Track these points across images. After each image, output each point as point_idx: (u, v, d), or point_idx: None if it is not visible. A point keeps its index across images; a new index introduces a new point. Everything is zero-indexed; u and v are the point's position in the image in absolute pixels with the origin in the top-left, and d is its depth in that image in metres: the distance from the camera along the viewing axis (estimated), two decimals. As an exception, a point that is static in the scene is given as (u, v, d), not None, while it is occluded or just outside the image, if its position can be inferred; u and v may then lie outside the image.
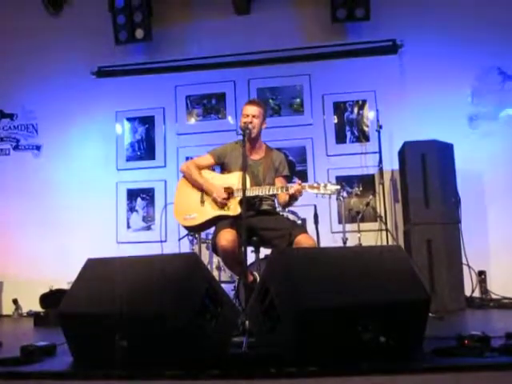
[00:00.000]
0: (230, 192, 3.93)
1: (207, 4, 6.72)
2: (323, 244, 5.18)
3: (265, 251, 4.13)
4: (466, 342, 2.49)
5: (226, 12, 6.75)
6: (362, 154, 6.40)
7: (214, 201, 3.93)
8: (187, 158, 6.09)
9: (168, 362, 2.36)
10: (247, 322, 2.81)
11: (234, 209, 3.86)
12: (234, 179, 3.96)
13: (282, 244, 3.74)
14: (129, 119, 6.96)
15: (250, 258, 3.92)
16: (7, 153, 7.09)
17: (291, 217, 4.85)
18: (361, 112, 6.55)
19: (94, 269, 2.81)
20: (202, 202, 4.00)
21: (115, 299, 2.54)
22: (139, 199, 6.79)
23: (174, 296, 2.45)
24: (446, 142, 5.60)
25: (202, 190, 4.02)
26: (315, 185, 3.75)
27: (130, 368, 2.37)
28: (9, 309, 6.47)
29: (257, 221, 3.88)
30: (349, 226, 5.69)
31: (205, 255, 5.34)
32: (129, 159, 6.90)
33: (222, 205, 3.90)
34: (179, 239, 5.84)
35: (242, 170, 3.59)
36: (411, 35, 6.39)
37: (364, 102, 6.54)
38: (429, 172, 5.41)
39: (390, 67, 6.47)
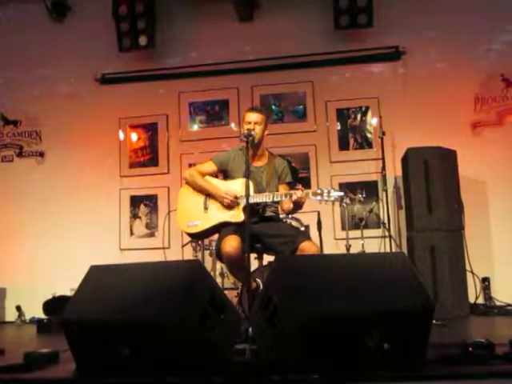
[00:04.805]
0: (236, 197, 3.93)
1: (211, 11, 6.73)
2: (326, 251, 5.17)
3: (268, 258, 4.13)
4: (470, 349, 2.48)
5: (230, 19, 6.76)
6: (365, 160, 6.40)
7: (223, 202, 3.92)
8: (190, 165, 6.09)
9: (171, 369, 2.36)
10: (250, 329, 2.81)
11: (238, 215, 3.86)
12: (237, 186, 3.97)
13: (286, 251, 3.74)
14: (132, 126, 6.97)
15: (254, 264, 3.93)
16: (11, 159, 7.10)
17: (295, 223, 4.85)
18: (364, 118, 6.55)
19: (98, 276, 2.81)
20: (206, 208, 4.01)
21: (118, 306, 2.55)
22: (142, 206, 6.79)
23: (177, 303, 2.45)
24: (449, 149, 5.59)
25: (207, 195, 4.03)
26: (318, 191, 3.75)
27: (133, 375, 2.37)
28: (12, 315, 6.46)
29: (260, 227, 3.88)
30: (352, 233, 5.68)
31: (208, 262, 5.34)
32: (132, 166, 6.90)
33: (233, 204, 3.89)
34: (182, 246, 5.84)
35: (244, 176, 3.60)
36: (414, 42, 6.40)
37: (367, 108, 6.54)
38: (432, 178, 5.40)
39: (393, 74, 6.48)
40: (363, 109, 6.56)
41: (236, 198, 3.90)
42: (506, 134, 6.19)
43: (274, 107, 6.73)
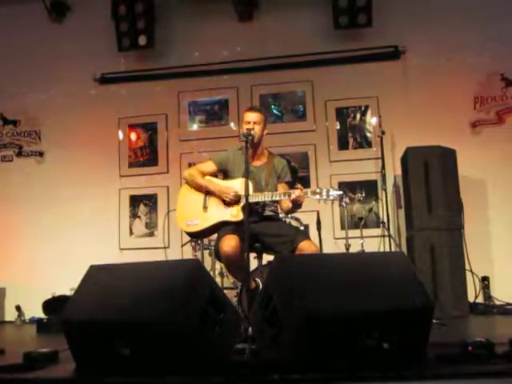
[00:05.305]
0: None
1: (210, 11, 6.73)
2: (326, 250, 5.17)
3: (267, 257, 4.12)
4: (470, 348, 2.48)
5: (229, 19, 6.77)
6: (364, 159, 6.40)
7: (225, 198, 3.91)
8: (190, 165, 6.09)
9: (170, 369, 2.36)
10: (250, 329, 2.81)
11: (237, 215, 3.86)
12: (236, 185, 3.96)
13: (285, 250, 3.74)
14: (131, 126, 6.96)
15: (253, 264, 3.92)
16: (10, 159, 7.10)
17: (294, 223, 4.85)
18: (363, 118, 6.56)
19: (97, 275, 2.81)
20: (205, 207, 4.00)
21: (118, 306, 2.55)
22: (142, 205, 6.80)
23: (177, 303, 2.45)
24: (449, 148, 5.59)
25: (207, 194, 4.02)
26: (317, 191, 3.74)
27: (133, 375, 2.37)
28: (11, 315, 6.46)
29: (259, 227, 3.88)
30: (351, 232, 5.67)
31: (207, 261, 5.34)
32: (131, 165, 6.90)
33: (236, 199, 3.88)
34: (182, 245, 5.84)
35: (244, 176, 3.59)
36: (413, 41, 6.40)
37: (366, 107, 6.54)
38: (431, 178, 5.40)
39: (393, 73, 6.48)
40: (363, 108, 6.56)
41: (236, 196, 3.89)
42: (506, 134, 6.19)
43: (273, 107, 6.73)
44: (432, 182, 5.39)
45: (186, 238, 5.46)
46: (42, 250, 6.59)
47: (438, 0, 6.46)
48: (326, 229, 5.39)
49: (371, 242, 5.80)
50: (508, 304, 5.68)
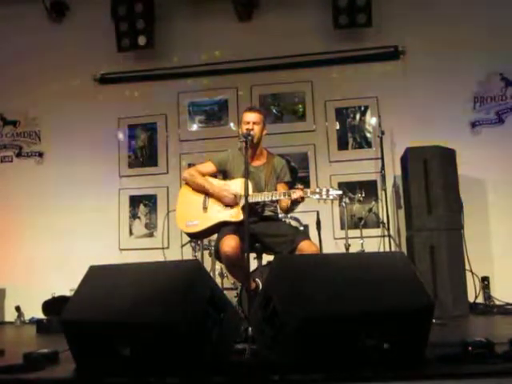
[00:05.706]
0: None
1: (210, 11, 6.73)
2: (326, 250, 5.17)
3: (267, 257, 4.13)
4: (470, 348, 2.48)
5: (229, 19, 6.75)
6: (364, 160, 6.40)
7: (223, 200, 3.92)
8: (189, 165, 6.09)
9: (170, 370, 2.35)
10: (250, 329, 2.81)
11: (237, 215, 3.86)
12: (236, 186, 3.97)
13: (285, 250, 3.74)
14: (131, 126, 6.96)
15: (253, 264, 3.92)
16: (10, 160, 7.10)
17: (294, 223, 4.85)
18: (363, 118, 6.55)
19: (97, 276, 2.81)
20: (205, 208, 4.01)
21: (117, 306, 2.55)
22: (142, 206, 6.79)
23: (177, 303, 2.45)
24: (449, 148, 5.58)
25: (207, 194, 4.03)
26: (317, 190, 3.75)
27: (133, 375, 2.37)
28: (11, 316, 6.45)
29: (259, 227, 3.88)
30: (351, 232, 5.67)
31: (207, 262, 5.34)
32: (131, 166, 6.90)
33: (232, 203, 3.89)
34: (182, 246, 5.84)
35: (243, 176, 3.60)
36: (413, 41, 6.40)
37: (366, 108, 6.54)
38: (431, 178, 5.39)
39: (392, 73, 6.47)
40: (362, 108, 6.56)
41: (235, 197, 3.90)
42: (505, 133, 6.19)
43: (273, 107, 6.72)
44: (432, 181, 5.38)
45: (186, 239, 5.47)
46: (41, 251, 6.57)
47: (437, 0, 6.46)
48: (325, 229, 5.38)
49: (371, 242, 5.79)
50: (508, 304, 5.68)
